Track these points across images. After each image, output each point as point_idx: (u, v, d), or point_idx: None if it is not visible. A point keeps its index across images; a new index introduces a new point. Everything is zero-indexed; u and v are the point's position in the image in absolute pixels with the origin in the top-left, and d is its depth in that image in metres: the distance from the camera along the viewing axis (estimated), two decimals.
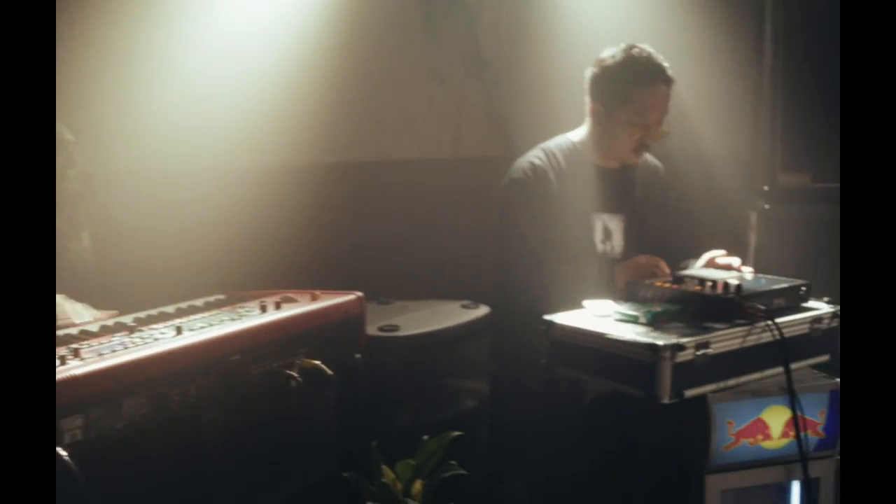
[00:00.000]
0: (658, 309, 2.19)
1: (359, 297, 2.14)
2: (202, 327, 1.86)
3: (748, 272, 2.56)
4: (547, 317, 2.29)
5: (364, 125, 3.56)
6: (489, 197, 2.99)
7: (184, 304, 2.12)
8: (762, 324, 2.13)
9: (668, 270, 2.55)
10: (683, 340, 2.01)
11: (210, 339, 1.77)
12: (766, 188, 3.10)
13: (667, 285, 2.34)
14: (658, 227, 2.79)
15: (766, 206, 3.09)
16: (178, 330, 1.82)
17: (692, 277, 2.39)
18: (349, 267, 3.23)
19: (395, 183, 3.60)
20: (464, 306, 2.75)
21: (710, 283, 2.29)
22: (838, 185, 3.11)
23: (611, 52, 2.70)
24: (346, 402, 2.07)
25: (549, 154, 2.74)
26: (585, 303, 2.36)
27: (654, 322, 2.17)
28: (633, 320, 2.19)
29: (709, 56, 3.36)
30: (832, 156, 3.19)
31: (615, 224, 2.76)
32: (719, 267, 2.60)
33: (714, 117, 3.33)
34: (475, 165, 3.72)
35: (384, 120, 3.60)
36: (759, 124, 3.17)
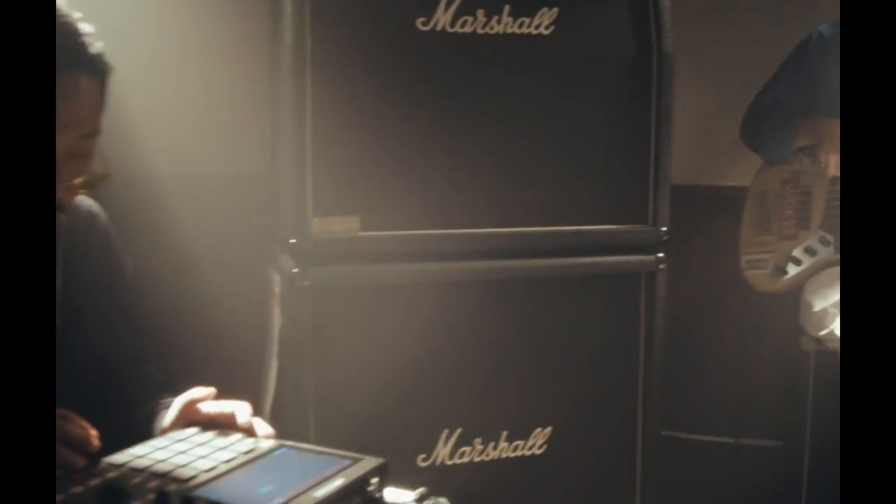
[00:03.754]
0: None
1: None
2: None
3: (263, 431, 1.35)
4: None
5: None
6: None
7: None
8: None
9: (96, 442, 1.23)
10: None
11: None
12: (293, 241, 1.93)
13: None
14: (104, 331, 1.43)
15: (294, 269, 1.92)
16: None
17: (134, 472, 1.11)
18: None
19: None
20: None
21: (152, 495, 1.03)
22: (399, 232, 2.08)
23: None
24: None
25: None
26: None
27: None
28: None
29: (217, 39, 2.31)
30: (388, 192, 2.13)
31: None
32: (207, 421, 1.35)
33: (224, 131, 2.12)
34: None
35: None
36: (280, 145, 1.99)
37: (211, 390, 1.37)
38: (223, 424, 1.33)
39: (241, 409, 1.34)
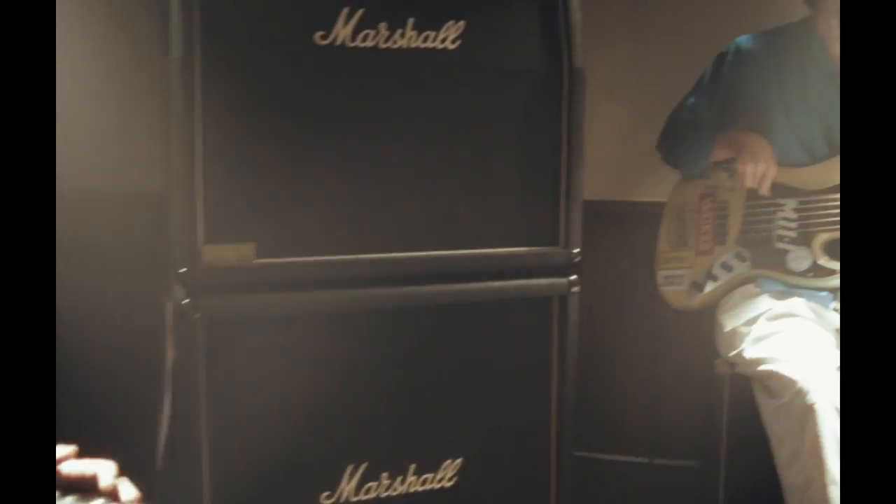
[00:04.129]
0: None
1: None
2: None
3: (128, 496, 1.24)
4: None
5: None
6: None
7: None
8: None
9: None
10: None
11: None
12: (183, 270, 1.81)
13: None
14: None
15: (185, 300, 1.81)
16: None
17: None
18: None
19: None
20: None
21: None
22: (298, 259, 1.96)
23: None
24: None
25: None
26: None
27: None
28: None
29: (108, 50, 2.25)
30: (286, 216, 2.02)
31: None
32: (67, 484, 1.24)
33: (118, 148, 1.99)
34: None
35: None
36: (169, 168, 1.86)
37: (71, 448, 1.25)
38: (84, 488, 1.22)
39: (104, 470, 1.22)
